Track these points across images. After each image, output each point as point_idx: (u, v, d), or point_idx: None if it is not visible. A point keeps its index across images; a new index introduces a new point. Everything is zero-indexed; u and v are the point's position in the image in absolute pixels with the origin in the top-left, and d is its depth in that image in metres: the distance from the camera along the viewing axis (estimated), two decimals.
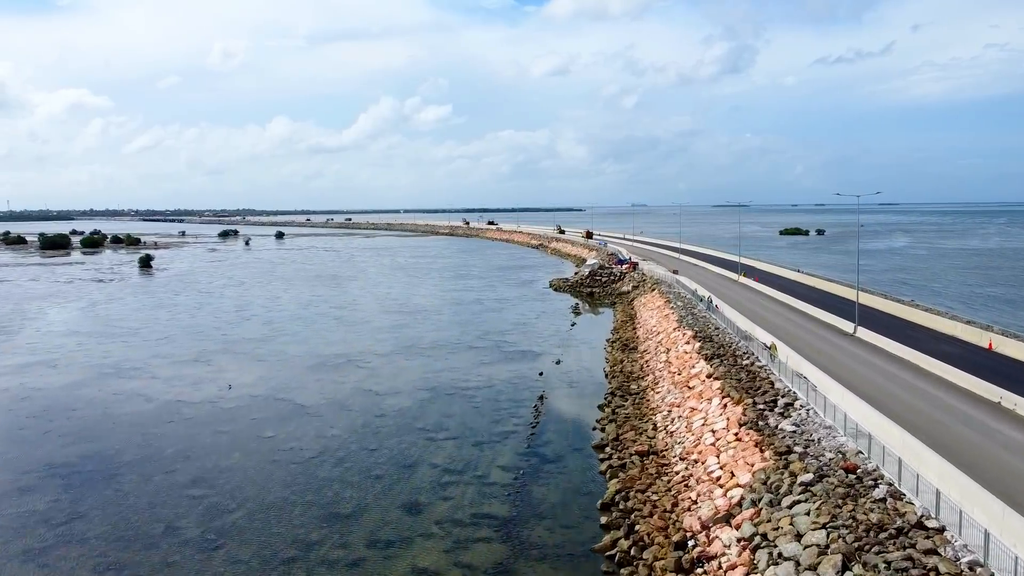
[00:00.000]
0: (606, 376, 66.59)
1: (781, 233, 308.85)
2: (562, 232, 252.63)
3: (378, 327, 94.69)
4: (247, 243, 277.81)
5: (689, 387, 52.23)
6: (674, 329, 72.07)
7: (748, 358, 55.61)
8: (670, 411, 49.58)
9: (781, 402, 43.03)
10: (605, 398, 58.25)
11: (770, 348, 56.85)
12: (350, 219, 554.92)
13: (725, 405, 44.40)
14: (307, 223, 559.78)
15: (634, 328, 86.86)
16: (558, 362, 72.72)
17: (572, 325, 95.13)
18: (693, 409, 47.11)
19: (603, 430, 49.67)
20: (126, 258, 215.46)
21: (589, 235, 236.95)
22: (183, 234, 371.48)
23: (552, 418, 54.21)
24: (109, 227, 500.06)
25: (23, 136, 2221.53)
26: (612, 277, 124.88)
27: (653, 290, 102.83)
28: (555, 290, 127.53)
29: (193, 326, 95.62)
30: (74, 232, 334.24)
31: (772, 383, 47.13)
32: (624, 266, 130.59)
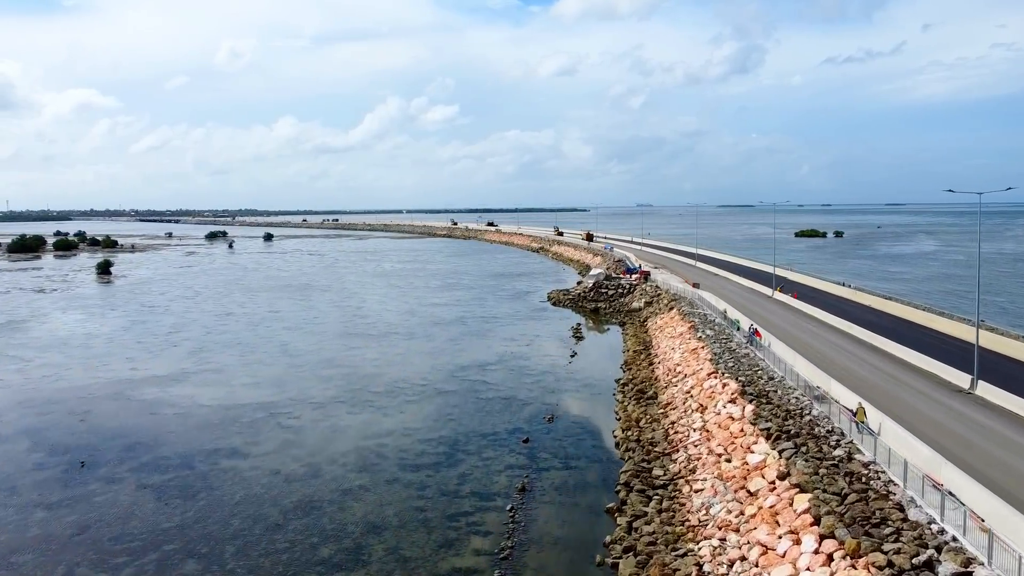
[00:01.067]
0: (617, 446, 47.58)
1: (797, 235, 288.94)
2: (560, 234, 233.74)
3: (327, 359, 75.78)
4: (231, 246, 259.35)
5: (749, 493, 33.16)
6: (709, 374, 52.99)
7: (834, 440, 36.48)
8: (723, 541, 30.59)
9: (927, 556, 24.08)
10: (616, 491, 39.28)
11: (855, 414, 38.17)
12: (336, 219, 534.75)
13: (829, 557, 25.53)
14: (303, 224, 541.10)
15: (650, 362, 67.92)
16: (551, 419, 53.70)
17: (572, 356, 76.10)
18: (765, 550, 28.13)
19: (614, 568, 30.83)
20: (89, 263, 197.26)
21: (589, 237, 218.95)
22: (170, 235, 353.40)
23: (535, 535, 35.28)
24: (103, 228, 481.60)
25: (31, 136, 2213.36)
26: (620, 290, 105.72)
27: (671, 308, 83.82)
28: (554, 304, 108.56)
29: (94, 358, 76.61)
30: (58, 233, 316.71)
31: (901, 507, 27.97)
32: (634, 276, 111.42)
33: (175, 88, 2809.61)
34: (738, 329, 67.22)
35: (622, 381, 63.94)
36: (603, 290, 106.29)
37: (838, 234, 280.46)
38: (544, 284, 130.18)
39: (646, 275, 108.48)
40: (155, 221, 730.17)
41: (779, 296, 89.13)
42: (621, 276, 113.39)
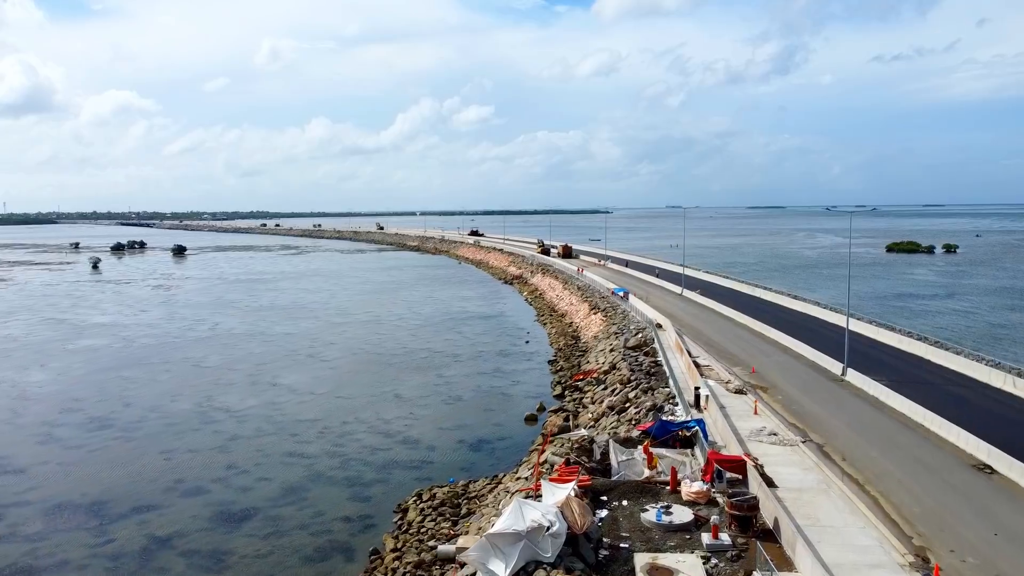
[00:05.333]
0: None
1: (889, 250, 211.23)
2: (546, 252, 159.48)
3: None
4: (95, 266, 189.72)
5: None
6: None
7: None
8: None
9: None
10: None
11: None
12: (319, 225, 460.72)
13: None
14: (269, 228, 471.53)
15: None
16: None
17: None
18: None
19: None
20: None
21: (567, 252, 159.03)
22: (76, 246, 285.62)
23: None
24: (56, 233, 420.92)
25: (68, 139, 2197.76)
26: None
27: None
28: None
29: None
30: None
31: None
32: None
33: (214, 90, 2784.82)
34: None
35: None
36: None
37: (949, 249, 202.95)
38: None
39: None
40: (134, 225, 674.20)
41: None
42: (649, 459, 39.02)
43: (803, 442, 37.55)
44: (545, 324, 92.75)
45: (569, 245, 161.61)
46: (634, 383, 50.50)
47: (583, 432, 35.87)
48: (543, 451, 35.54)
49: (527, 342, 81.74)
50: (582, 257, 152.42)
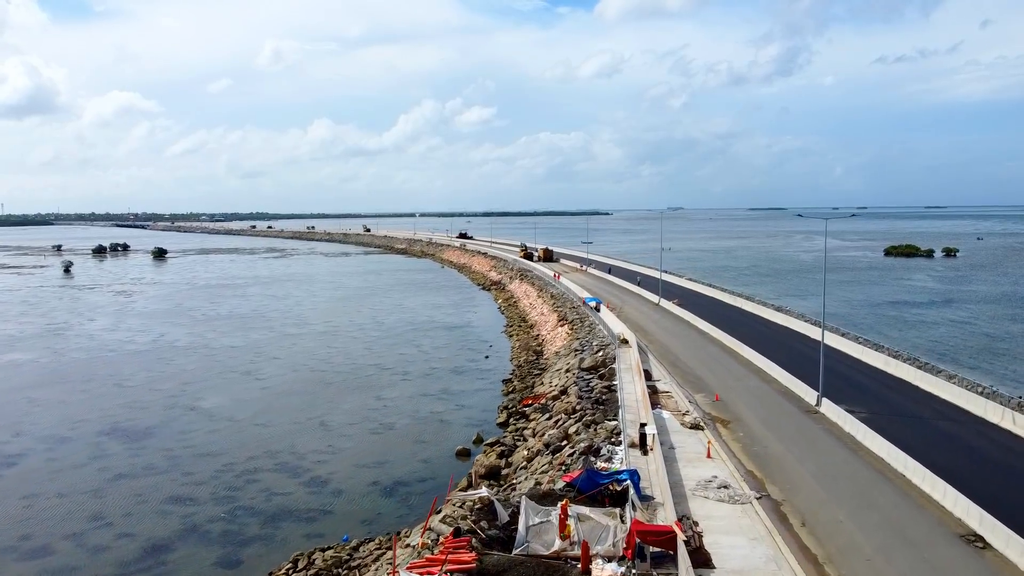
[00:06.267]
0: None
1: (887, 253, 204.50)
2: (528, 256, 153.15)
3: None
4: (67, 269, 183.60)
5: None
6: None
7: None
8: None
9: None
10: None
11: None
12: (313, 228, 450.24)
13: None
14: (260, 230, 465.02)
15: None
16: None
17: None
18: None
19: None
20: None
21: (526, 254, 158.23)
22: (59, 248, 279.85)
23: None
24: (48, 235, 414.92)
25: (70, 140, 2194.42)
26: None
27: None
28: None
29: None
30: None
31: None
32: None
33: (217, 91, 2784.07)
34: None
35: None
36: None
37: (949, 252, 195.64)
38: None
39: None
40: (128, 226, 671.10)
41: None
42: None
43: (758, 498, 31.11)
44: (512, 336, 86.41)
45: (550, 248, 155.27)
46: (579, 414, 44.18)
47: (483, 492, 29.42)
48: (429, 517, 29.14)
49: (487, 357, 75.40)
50: (563, 262, 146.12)
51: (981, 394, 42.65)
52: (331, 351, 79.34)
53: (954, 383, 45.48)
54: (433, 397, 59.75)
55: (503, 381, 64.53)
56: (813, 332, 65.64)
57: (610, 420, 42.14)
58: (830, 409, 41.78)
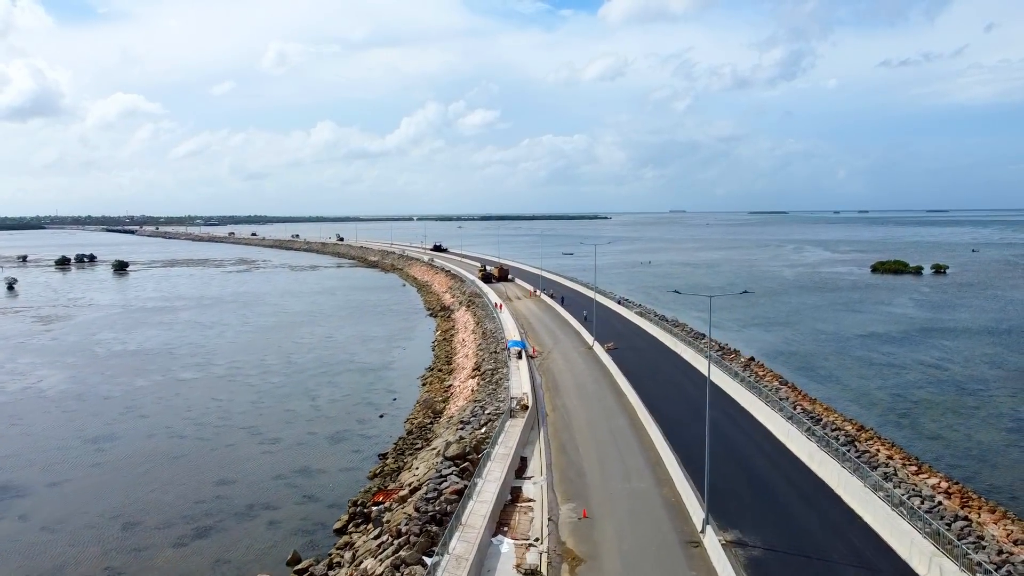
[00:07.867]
0: None
1: (874, 270, 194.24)
2: (487, 280, 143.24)
3: None
4: (10, 287, 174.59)
5: None
6: None
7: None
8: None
9: None
10: None
11: None
12: (297, 235, 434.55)
13: None
14: (242, 238, 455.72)
15: None
16: None
17: None
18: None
19: None
20: None
21: (484, 275, 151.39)
22: (24, 259, 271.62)
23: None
24: (34, 241, 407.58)
25: (74, 142, 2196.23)
26: None
27: None
28: None
29: None
30: None
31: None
32: None
33: (221, 93, 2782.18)
34: None
35: None
36: None
37: (939, 269, 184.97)
38: None
39: None
40: (118, 231, 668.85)
41: None
42: None
43: None
44: (425, 384, 76.94)
45: (505, 267, 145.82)
46: (399, 542, 34.70)
47: None
48: None
49: (382, 416, 65.85)
50: (517, 282, 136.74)
51: (919, 531, 32.53)
52: (211, 406, 69.84)
53: (879, 497, 35.64)
54: (283, 482, 50.25)
55: (379, 455, 55.08)
56: (753, 403, 55.33)
57: (431, 556, 32.54)
58: (713, 546, 32.14)
